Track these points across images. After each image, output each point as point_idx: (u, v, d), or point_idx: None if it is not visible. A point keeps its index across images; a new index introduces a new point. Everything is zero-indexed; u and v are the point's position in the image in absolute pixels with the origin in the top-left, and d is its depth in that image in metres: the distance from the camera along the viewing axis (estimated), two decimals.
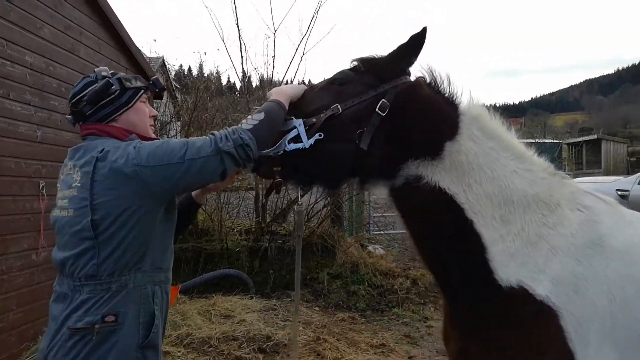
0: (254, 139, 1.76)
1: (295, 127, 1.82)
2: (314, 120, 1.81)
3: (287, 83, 8.46)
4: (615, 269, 1.68)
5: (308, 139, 1.79)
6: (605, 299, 1.63)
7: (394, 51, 1.88)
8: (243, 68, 8.02)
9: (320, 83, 1.98)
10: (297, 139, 1.81)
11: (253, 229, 7.64)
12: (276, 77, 8.56)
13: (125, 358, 1.75)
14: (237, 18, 7.76)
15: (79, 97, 1.86)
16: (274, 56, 7.74)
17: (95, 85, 1.85)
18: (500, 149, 1.82)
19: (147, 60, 7.66)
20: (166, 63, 17.08)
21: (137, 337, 1.78)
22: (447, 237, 1.79)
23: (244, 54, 7.91)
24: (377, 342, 5.16)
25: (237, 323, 5.32)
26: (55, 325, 1.76)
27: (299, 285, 2.33)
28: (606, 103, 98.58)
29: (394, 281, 7.23)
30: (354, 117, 1.81)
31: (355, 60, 1.93)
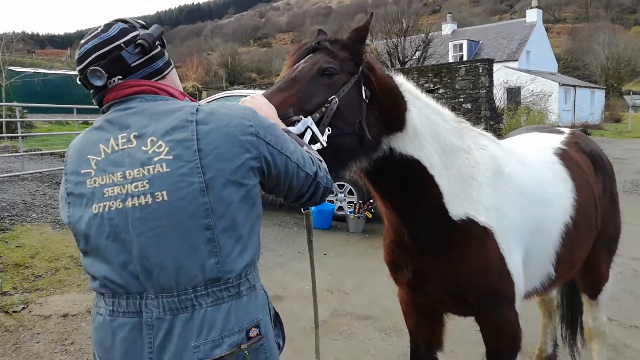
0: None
1: (308, 126, 1.71)
2: (318, 115, 1.74)
3: None
4: (513, 189, 2.22)
5: (322, 137, 1.72)
6: (513, 211, 2.17)
7: (354, 35, 1.91)
8: None
9: (302, 73, 1.81)
10: (313, 139, 1.72)
11: None
12: None
13: None
14: None
15: (118, 42, 1.34)
16: None
17: (140, 31, 1.39)
18: (426, 107, 2.08)
19: None
20: None
21: (277, 345, 1.41)
22: (415, 191, 2.05)
23: None
24: None
25: None
26: None
27: (315, 291, 2.16)
28: None
29: None
30: (349, 108, 1.81)
31: (331, 43, 1.90)
